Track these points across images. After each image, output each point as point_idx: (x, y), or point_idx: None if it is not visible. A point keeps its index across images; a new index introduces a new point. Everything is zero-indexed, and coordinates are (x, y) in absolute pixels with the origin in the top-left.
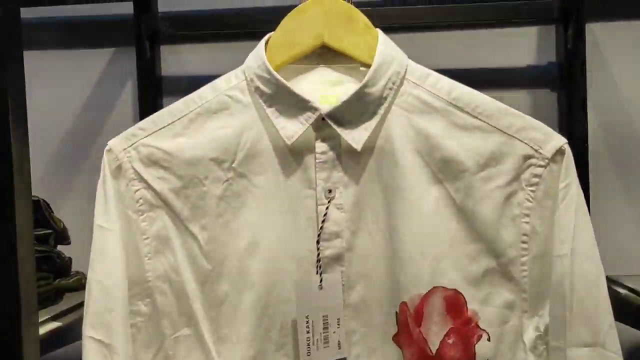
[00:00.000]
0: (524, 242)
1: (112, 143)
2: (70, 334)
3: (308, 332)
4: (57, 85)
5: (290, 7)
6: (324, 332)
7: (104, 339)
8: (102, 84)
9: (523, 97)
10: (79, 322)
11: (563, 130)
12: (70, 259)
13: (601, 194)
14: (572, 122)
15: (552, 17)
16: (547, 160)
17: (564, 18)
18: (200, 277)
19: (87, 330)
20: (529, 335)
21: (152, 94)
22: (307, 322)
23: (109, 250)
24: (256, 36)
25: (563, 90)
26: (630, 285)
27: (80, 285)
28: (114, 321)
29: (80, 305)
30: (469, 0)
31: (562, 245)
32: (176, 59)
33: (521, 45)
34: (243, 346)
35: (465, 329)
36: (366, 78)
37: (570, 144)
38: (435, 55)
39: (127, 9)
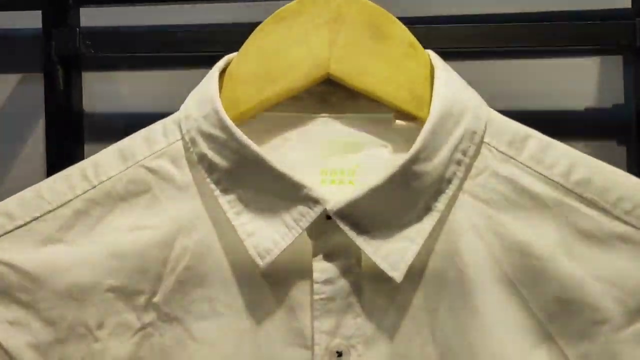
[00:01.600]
0: None
1: None
2: None
3: None
4: None
5: None
6: None
7: None
8: (3, 123)
9: (580, 151)
10: None
11: None
12: None
13: None
14: None
15: (632, 43)
16: None
17: None
18: None
19: None
20: None
21: (69, 137)
22: None
23: None
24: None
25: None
26: None
27: None
28: None
29: None
30: (506, 19)
31: None
32: (104, 91)
33: (577, 83)
34: None
35: None
36: (418, 144)
37: None
38: None
39: (37, 21)
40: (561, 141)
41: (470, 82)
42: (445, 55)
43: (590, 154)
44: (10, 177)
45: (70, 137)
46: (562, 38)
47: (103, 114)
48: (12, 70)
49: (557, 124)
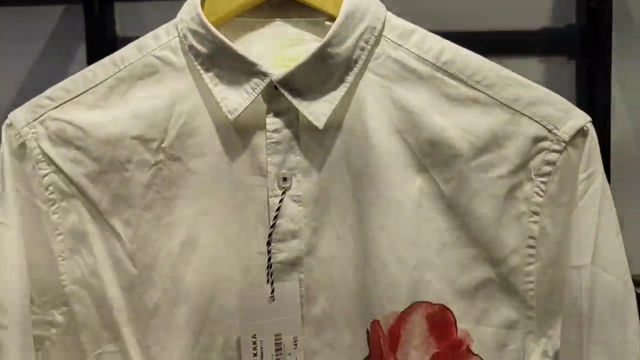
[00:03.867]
0: (530, 247)
1: (14, 116)
2: None
3: (255, 355)
4: None
5: None
6: (276, 355)
7: None
8: (49, 48)
9: (535, 66)
10: None
11: (581, 105)
12: None
13: (624, 181)
14: (592, 96)
15: None
16: (563, 144)
17: None
18: (125, 283)
19: None
20: None
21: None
22: (255, 342)
23: (4, 252)
24: None
25: (583, 59)
26: None
27: None
28: (10, 343)
29: None
30: None
31: (581, 254)
32: (135, 18)
33: (534, 4)
34: None
35: (453, 353)
36: (329, 33)
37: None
38: (426, 16)
39: None
40: (517, 56)
41: (438, 4)
42: None
43: (544, 68)
44: None
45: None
46: None
47: (133, 37)
48: (57, 2)
49: (515, 41)
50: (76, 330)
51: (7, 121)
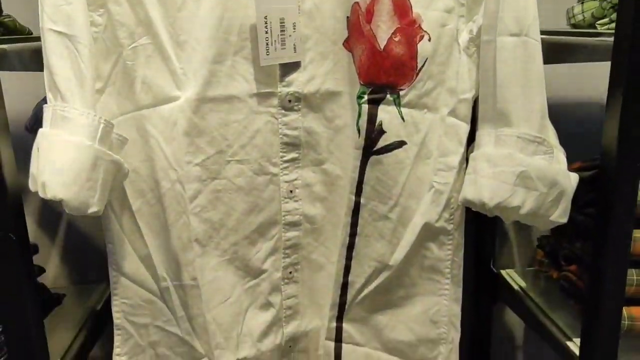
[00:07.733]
0: None
1: None
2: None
3: (267, 33)
4: None
5: None
6: (281, 35)
7: (65, 30)
8: None
9: None
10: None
11: None
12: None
13: None
14: None
15: None
16: None
17: None
18: None
19: (46, 23)
20: (463, 37)
21: None
22: (266, 22)
23: None
24: None
25: None
26: None
27: (15, 28)
28: (74, 12)
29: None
30: None
31: None
32: None
33: None
34: (202, 49)
35: (410, 29)
36: None
37: None
38: None
39: None
40: None
41: None
42: None
43: None
44: None
45: None
46: None
47: None
48: None
49: None
50: (113, 28)
51: None
